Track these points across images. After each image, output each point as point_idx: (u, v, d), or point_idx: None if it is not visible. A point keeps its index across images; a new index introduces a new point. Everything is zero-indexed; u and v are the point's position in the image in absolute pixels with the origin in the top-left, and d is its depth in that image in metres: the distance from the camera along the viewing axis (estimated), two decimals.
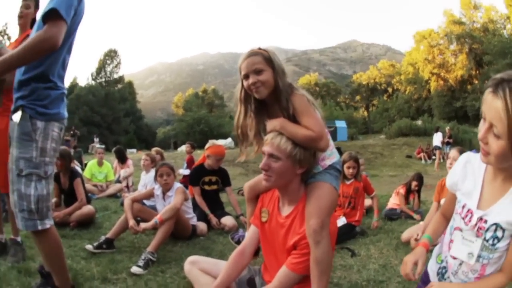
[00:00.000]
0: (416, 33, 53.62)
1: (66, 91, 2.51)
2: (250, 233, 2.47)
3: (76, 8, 2.33)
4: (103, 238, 4.04)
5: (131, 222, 3.94)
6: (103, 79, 59.70)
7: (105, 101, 54.82)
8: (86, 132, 46.17)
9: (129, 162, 9.12)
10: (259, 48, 2.20)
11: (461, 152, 4.44)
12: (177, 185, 4.50)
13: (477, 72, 46.62)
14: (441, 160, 18.17)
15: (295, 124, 2.13)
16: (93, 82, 58.35)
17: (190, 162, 9.74)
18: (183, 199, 4.29)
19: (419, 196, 6.57)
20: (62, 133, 2.46)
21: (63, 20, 2.17)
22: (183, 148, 26.55)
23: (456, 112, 46.49)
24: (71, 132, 28.95)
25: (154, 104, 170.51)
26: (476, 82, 46.50)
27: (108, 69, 60.61)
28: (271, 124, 2.18)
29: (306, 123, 2.09)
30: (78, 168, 8.58)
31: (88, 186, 7.85)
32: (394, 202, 6.37)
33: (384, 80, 71.62)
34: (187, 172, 8.86)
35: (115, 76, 61.02)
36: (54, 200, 5.34)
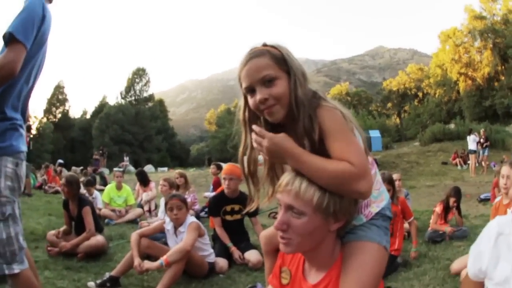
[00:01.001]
0: (441, 33, 51.87)
1: (22, 123, 2.21)
2: None
3: (39, 28, 2.06)
4: (107, 275, 3.67)
5: (136, 261, 3.53)
6: (133, 98, 60.07)
7: (135, 119, 55.03)
8: (117, 150, 46.56)
9: (152, 184, 8.66)
10: (265, 45, 1.54)
11: None
12: (190, 219, 3.99)
13: (503, 67, 44.99)
14: (477, 165, 17.43)
15: (317, 156, 1.42)
16: (123, 101, 58.84)
17: (216, 185, 9.10)
18: (196, 238, 3.79)
19: (460, 212, 5.93)
20: (19, 168, 2.15)
21: (21, 44, 1.96)
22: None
23: (486, 112, 44.93)
24: (100, 151, 29.11)
25: (187, 121, 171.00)
26: (503, 78, 44.89)
27: (137, 87, 60.90)
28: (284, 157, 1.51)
29: (339, 150, 1.40)
30: (97, 193, 8.32)
31: (106, 211, 7.55)
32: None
33: (413, 85, 69.93)
34: (210, 194, 8.44)
35: (145, 94, 61.16)
36: (63, 228, 5.03)
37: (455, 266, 3.86)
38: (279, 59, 1.48)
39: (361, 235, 1.54)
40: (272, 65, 1.46)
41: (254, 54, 1.50)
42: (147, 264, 3.47)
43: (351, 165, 1.35)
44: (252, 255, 4.48)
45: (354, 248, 1.51)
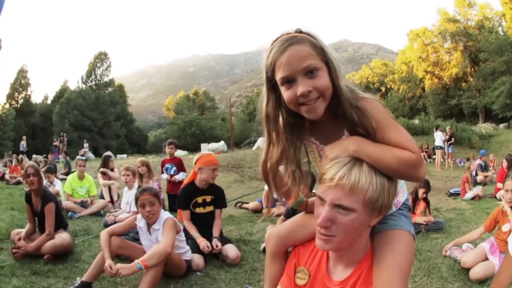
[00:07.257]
0: (410, 31, 52.83)
1: None
2: None
3: None
4: (78, 281, 3.30)
5: (107, 262, 3.11)
6: (93, 83, 58.54)
7: (95, 105, 53.68)
8: (76, 137, 45.32)
9: (116, 171, 8.17)
10: (300, 31, 1.37)
11: None
12: (165, 215, 3.58)
13: (472, 69, 46.20)
14: (442, 160, 17.67)
15: (378, 143, 1.37)
16: (83, 86, 57.12)
17: (181, 165, 7.92)
18: (174, 237, 3.43)
19: (428, 204, 6.00)
20: None
21: None
22: (178, 152, 24.93)
23: (451, 110, 46.54)
24: (60, 137, 27.86)
25: (145, 107, 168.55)
26: (471, 79, 46.17)
27: (99, 72, 59.43)
28: (340, 145, 1.38)
29: (397, 139, 1.36)
30: (58, 181, 7.82)
31: (69, 203, 7.01)
32: None
33: (377, 79, 70.75)
34: (182, 176, 7.54)
35: (106, 79, 59.84)
36: (26, 228, 4.47)
37: (468, 263, 3.77)
38: (318, 48, 1.33)
39: (393, 224, 1.51)
40: (314, 54, 1.32)
41: (294, 41, 1.31)
42: (123, 269, 2.98)
43: (413, 153, 1.34)
44: (230, 250, 4.20)
45: (388, 237, 1.47)
